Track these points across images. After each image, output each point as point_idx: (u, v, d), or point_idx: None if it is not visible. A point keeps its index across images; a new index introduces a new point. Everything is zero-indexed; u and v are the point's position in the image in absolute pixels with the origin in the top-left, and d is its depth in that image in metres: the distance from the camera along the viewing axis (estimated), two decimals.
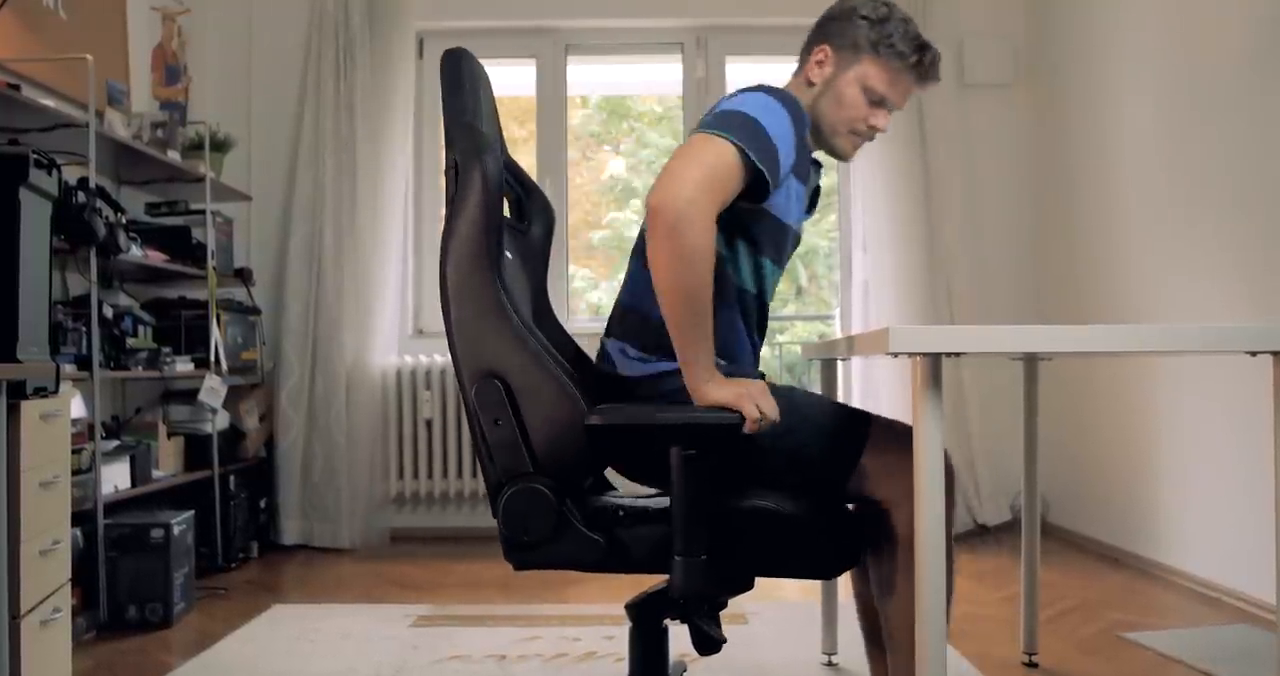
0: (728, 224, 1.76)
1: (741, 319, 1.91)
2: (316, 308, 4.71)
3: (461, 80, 1.83)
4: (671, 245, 1.60)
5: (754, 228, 1.85)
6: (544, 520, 1.71)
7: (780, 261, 1.93)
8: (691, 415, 1.66)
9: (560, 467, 1.71)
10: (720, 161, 1.65)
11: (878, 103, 1.90)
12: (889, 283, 4.74)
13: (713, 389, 1.65)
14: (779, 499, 1.72)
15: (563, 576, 3.57)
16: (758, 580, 1.78)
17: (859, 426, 1.78)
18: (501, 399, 1.71)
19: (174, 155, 4.01)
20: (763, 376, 2.00)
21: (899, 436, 1.73)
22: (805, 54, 1.97)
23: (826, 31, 1.93)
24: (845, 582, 2.63)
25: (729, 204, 1.68)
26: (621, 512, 1.73)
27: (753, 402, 1.61)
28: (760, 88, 1.81)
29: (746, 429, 1.61)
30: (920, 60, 1.87)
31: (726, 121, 1.69)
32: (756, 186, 1.72)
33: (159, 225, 4.10)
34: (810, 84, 1.92)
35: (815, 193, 2.05)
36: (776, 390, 1.74)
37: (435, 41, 5.04)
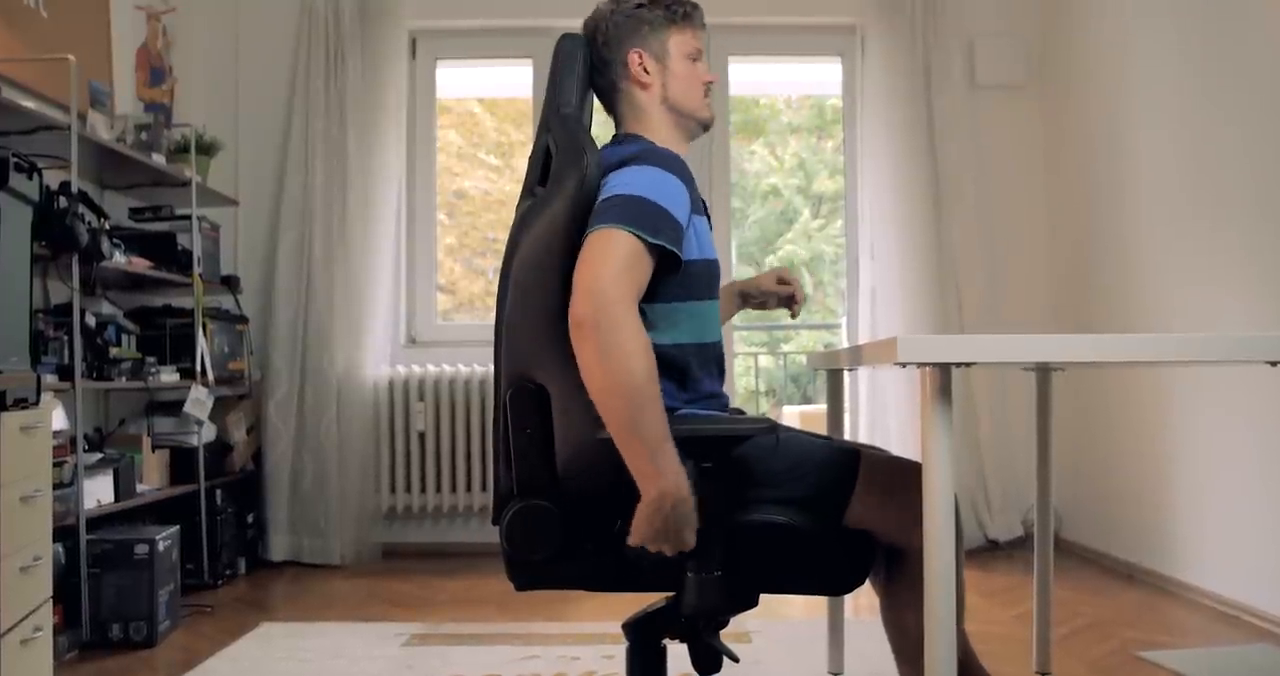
0: (663, 294, 1.79)
1: (702, 370, 1.89)
2: (306, 316, 4.65)
3: (573, 67, 1.85)
4: (600, 348, 1.58)
5: (687, 280, 1.84)
6: (551, 539, 1.69)
7: (716, 296, 1.95)
8: (707, 427, 1.64)
9: (578, 485, 1.69)
10: (624, 251, 1.65)
11: (696, 60, 1.99)
12: (897, 290, 4.71)
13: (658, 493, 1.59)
14: (792, 514, 1.71)
15: (561, 594, 3.55)
16: (762, 597, 1.76)
17: (848, 463, 1.78)
18: (536, 407, 1.69)
19: (159, 158, 3.96)
20: (741, 412, 2.07)
21: (889, 466, 1.78)
22: (605, 73, 1.98)
23: (620, 39, 1.95)
24: (852, 599, 2.58)
25: (646, 287, 1.70)
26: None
27: (668, 543, 1.60)
28: (636, 159, 1.80)
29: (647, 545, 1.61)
30: (693, 10, 1.99)
31: (613, 210, 1.69)
32: (667, 261, 1.73)
33: (143, 231, 4.07)
34: (645, 86, 1.96)
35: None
36: (760, 440, 1.73)
37: (428, 41, 5.00)
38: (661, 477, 1.57)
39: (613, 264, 1.62)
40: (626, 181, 1.74)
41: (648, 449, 1.57)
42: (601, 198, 1.74)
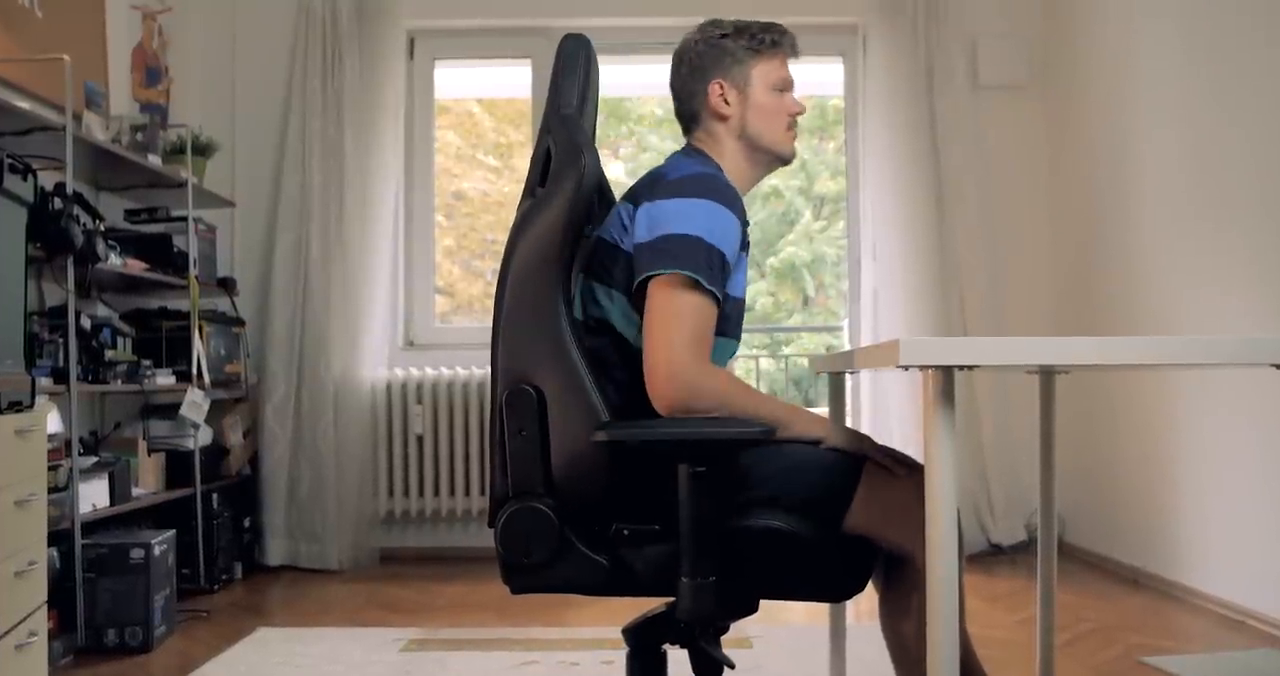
0: None
1: None
2: (303, 318, 4.63)
3: (575, 68, 1.84)
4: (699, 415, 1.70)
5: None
6: (545, 542, 1.68)
7: (738, 335, 1.95)
8: (700, 430, 1.63)
9: (572, 489, 1.68)
10: (694, 311, 1.71)
11: (783, 90, 1.98)
12: (899, 292, 4.69)
13: (834, 431, 1.78)
14: (790, 519, 1.69)
15: (560, 598, 3.53)
16: (763, 603, 1.75)
17: (849, 467, 1.77)
18: (532, 409, 1.68)
19: (154, 159, 3.95)
20: None
21: (892, 470, 1.77)
22: (689, 103, 1.98)
23: (703, 69, 1.96)
24: (854, 604, 2.56)
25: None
26: (626, 532, 1.70)
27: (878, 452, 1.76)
28: (697, 190, 1.79)
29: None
30: (781, 38, 1.98)
31: (674, 254, 1.71)
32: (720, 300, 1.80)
33: (139, 233, 4.07)
34: (724, 118, 1.95)
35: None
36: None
37: (426, 41, 4.98)
38: (820, 431, 1.76)
39: (683, 334, 1.68)
40: (685, 214, 1.74)
41: (789, 425, 1.73)
42: (655, 225, 1.75)
